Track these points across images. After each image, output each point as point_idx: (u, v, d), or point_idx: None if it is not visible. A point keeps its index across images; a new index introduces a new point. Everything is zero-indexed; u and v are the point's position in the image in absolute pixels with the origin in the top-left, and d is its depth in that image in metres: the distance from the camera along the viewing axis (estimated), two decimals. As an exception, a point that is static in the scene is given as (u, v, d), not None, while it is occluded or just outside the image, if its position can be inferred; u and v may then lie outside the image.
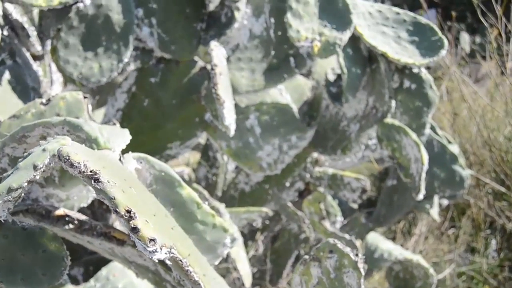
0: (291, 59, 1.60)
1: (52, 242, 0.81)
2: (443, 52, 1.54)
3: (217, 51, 1.36)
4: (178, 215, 1.01)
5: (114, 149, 0.87)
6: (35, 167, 0.72)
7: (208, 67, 1.35)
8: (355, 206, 2.24)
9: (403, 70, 1.61)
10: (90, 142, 0.85)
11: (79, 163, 0.67)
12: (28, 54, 1.76)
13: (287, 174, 1.85)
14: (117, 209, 0.66)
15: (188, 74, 1.61)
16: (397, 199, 2.08)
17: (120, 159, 0.91)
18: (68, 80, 1.61)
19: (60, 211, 1.05)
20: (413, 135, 1.53)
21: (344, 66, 1.55)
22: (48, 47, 1.93)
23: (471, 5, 2.97)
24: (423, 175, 1.49)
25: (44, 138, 0.96)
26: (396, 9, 1.61)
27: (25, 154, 0.78)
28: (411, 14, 1.61)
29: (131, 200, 0.68)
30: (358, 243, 1.71)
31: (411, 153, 1.55)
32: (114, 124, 1.18)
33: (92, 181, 0.66)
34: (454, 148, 2.00)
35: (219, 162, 1.92)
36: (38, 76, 1.75)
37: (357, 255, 0.97)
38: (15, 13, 1.65)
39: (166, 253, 0.69)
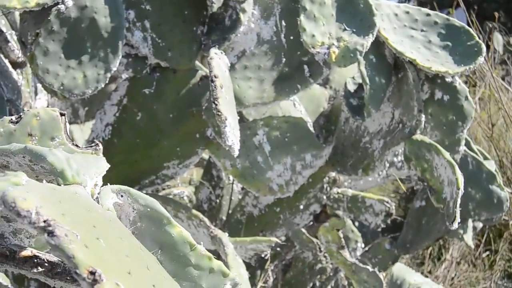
0: (305, 67, 1.48)
1: None
2: (481, 59, 1.41)
3: (218, 60, 1.24)
4: (168, 259, 0.89)
5: (85, 184, 0.75)
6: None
7: (210, 75, 1.23)
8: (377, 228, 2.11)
9: (434, 80, 1.49)
10: (56, 175, 0.74)
11: (28, 211, 0.55)
12: (6, 61, 1.66)
13: (301, 196, 1.73)
14: (77, 271, 0.54)
15: (187, 84, 1.50)
16: (426, 223, 1.94)
17: (94, 195, 0.79)
18: (48, 91, 1.51)
19: (27, 252, 0.92)
20: (447, 155, 1.39)
21: (366, 76, 1.42)
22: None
23: (505, 2, 2.85)
24: (459, 200, 1.36)
25: (4, 166, 0.85)
26: (426, 10, 1.49)
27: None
28: (443, 15, 1.48)
29: (97, 257, 0.56)
30: (381, 275, 1.58)
31: (444, 174, 1.42)
32: (97, 144, 1.06)
33: (46, 234, 0.54)
34: (491, 165, 1.86)
35: (224, 182, 1.80)
36: (18, 86, 1.65)
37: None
38: (-9, 16, 1.55)
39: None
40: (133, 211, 0.88)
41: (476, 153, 1.83)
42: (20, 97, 1.63)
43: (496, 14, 3.16)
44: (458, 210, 1.36)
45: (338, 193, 1.77)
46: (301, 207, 1.76)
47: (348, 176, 1.68)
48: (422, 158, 1.46)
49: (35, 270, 0.96)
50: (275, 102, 1.49)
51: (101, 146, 1.08)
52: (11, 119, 1.08)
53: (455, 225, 1.38)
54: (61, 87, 1.34)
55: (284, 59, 1.49)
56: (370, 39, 1.35)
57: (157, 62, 1.48)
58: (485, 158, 1.89)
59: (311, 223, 1.83)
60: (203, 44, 1.48)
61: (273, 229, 1.76)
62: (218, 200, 1.80)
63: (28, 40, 1.38)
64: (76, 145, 1.06)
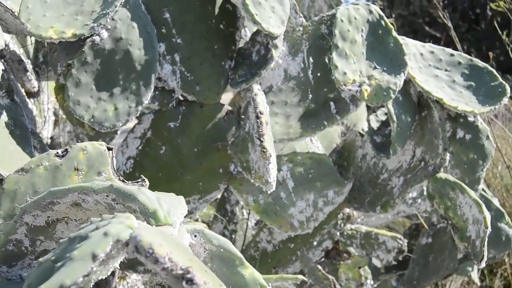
0: (332, 104, 1.49)
1: None
2: (505, 100, 1.44)
3: (261, 96, 1.24)
4: (238, 300, 0.88)
5: (175, 225, 0.73)
6: (94, 257, 0.57)
7: (255, 111, 1.22)
8: (378, 265, 2.11)
9: (457, 119, 1.51)
10: (146, 216, 0.71)
11: (164, 258, 0.53)
12: (22, 91, 1.62)
13: (316, 232, 1.72)
14: (216, 322, 0.52)
15: (213, 118, 1.49)
16: (434, 260, 1.96)
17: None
18: (75, 122, 1.47)
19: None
20: (472, 193, 1.41)
21: (394, 114, 1.44)
22: (43, 82, 1.79)
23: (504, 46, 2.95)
24: (486, 239, 1.37)
25: (76, 204, 0.82)
26: (450, 50, 1.52)
27: (69, 236, 0.64)
28: (466, 56, 1.52)
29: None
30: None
31: (468, 213, 1.44)
32: (143, 180, 1.04)
33: (184, 282, 0.52)
34: (496, 202, 1.90)
35: (238, 217, 1.78)
36: (34, 117, 1.61)
37: None
38: (12, 44, 1.51)
39: None
40: (204, 251, 0.86)
41: (484, 191, 1.86)
42: (36, 128, 1.59)
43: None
44: (486, 248, 1.37)
45: (351, 229, 1.77)
46: (315, 243, 1.75)
47: (365, 212, 1.68)
48: (445, 196, 1.48)
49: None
50: (301, 138, 1.48)
51: (147, 182, 1.06)
52: (57, 152, 1.06)
53: (483, 264, 1.39)
54: (92, 119, 1.31)
55: (310, 96, 1.49)
56: (402, 78, 1.37)
57: (184, 95, 1.46)
58: (492, 196, 1.93)
59: (322, 259, 1.82)
60: (230, 79, 1.47)
61: (286, 265, 1.75)
62: (232, 236, 1.77)
63: (58, 70, 1.35)
64: (123, 181, 1.04)
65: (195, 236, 0.84)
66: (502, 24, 2.88)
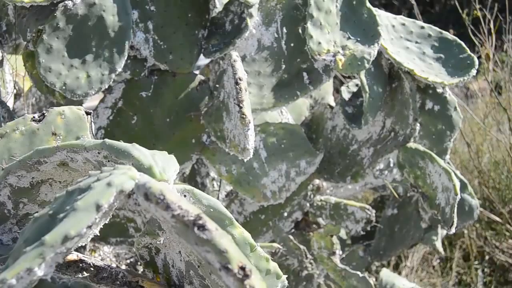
0: (305, 74, 1.49)
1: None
2: (474, 72, 1.48)
3: (240, 62, 1.24)
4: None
5: (170, 181, 0.73)
6: (98, 208, 0.57)
7: (234, 77, 1.21)
8: (344, 236, 2.15)
9: (426, 90, 1.55)
10: (141, 171, 0.71)
11: (175, 204, 0.53)
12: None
13: (286, 203, 1.74)
14: (228, 266, 0.52)
15: (185, 88, 1.48)
16: (399, 230, 2.00)
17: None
18: (45, 91, 1.44)
19: (72, 256, 0.88)
20: (441, 162, 1.45)
21: (366, 84, 1.46)
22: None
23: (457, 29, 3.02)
24: (456, 205, 1.41)
25: (63, 164, 0.81)
26: (420, 23, 1.55)
27: (66, 190, 0.63)
28: (436, 28, 1.55)
29: (240, 252, 0.55)
30: (372, 281, 1.61)
31: (437, 181, 1.47)
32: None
33: (196, 228, 0.52)
34: (459, 174, 1.96)
35: (208, 189, 1.78)
36: (-2, 87, 1.56)
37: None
38: (-25, 10, 1.46)
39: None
40: (193, 212, 0.86)
41: (448, 163, 1.91)
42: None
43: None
44: (455, 215, 1.42)
45: (321, 200, 1.79)
46: (285, 214, 1.76)
47: (335, 183, 1.70)
48: (415, 166, 1.51)
49: (79, 275, 0.92)
50: (274, 108, 1.49)
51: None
52: (33, 117, 1.04)
53: (453, 230, 1.43)
54: (63, 87, 1.28)
55: (284, 66, 1.50)
56: (376, 48, 1.38)
57: (157, 64, 1.44)
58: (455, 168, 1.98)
59: (292, 230, 1.84)
60: (203, 48, 1.46)
61: (257, 236, 1.76)
62: (202, 208, 1.77)
63: (28, 37, 1.32)
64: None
65: (185, 195, 0.83)
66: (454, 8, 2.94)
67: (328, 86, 2.00)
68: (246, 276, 0.53)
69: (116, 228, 1.53)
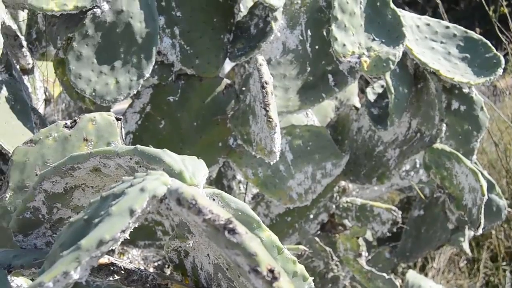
0: (330, 77, 1.50)
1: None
2: (500, 71, 1.47)
3: (266, 66, 1.25)
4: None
5: (200, 186, 0.74)
6: (131, 213, 0.58)
7: (260, 81, 1.22)
8: (370, 238, 2.15)
9: (452, 90, 1.54)
10: (172, 177, 0.72)
11: (207, 209, 0.54)
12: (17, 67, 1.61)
13: (312, 205, 1.74)
14: (257, 269, 0.54)
15: (212, 92, 1.49)
16: (426, 232, 2.00)
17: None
18: (75, 97, 1.47)
19: (104, 259, 0.91)
20: (468, 163, 1.44)
21: (392, 85, 1.46)
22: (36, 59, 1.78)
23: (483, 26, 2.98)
24: (483, 207, 1.40)
25: (96, 170, 0.83)
26: (445, 23, 1.54)
27: (101, 195, 0.65)
28: (462, 28, 1.54)
29: (269, 255, 0.56)
30: (398, 282, 1.61)
31: (464, 182, 1.47)
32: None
33: (226, 232, 0.53)
34: (486, 174, 1.94)
35: (235, 192, 1.79)
36: (30, 93, 1.60)
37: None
38: (8, 19, 1.50)
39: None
40: (222, 215, 0.87)
41: (475, 163, 1.90)
42: (32, 104, 1.58)
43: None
44: (482, 215, 1.41)
45: (347, 202, 1.79)
46: (311, 216, 1.77)
47: (361, 185, 1.70)
48: (441, 167, 1.51)
49: (110, 278, 0.94)
50: (299, 110, 1.50)
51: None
52: (66, 123, 1.06)
53: (480, 231, 1.43)
54: (93, 93, 1.31)
55: (309, 68, 1.50)
56: (401, 49, 1.38)
57: (184, 69, 1.46)
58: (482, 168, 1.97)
59: (318, 232, 1.84)
60: (229, 53, 1.48)
61: (283, 239, 1.77)
62: (229, 210, 1.78)
63: (58, 44, 1.35)
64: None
65: (214, 199, 0.85)
66: (480, 4, 2.90)
67: (353, 87, 2.00)
68: (275, 278, 0.54)
69: (144, 231, 1.55)
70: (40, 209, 0.88)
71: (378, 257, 2.00)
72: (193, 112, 1.50)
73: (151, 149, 0.74)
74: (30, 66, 1.62)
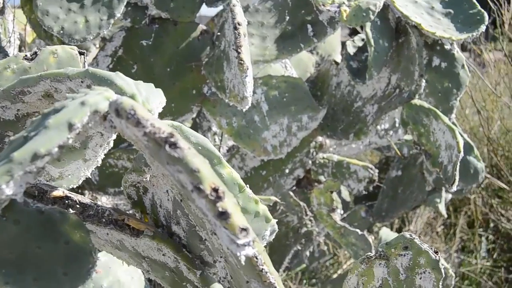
0: (309, 27, 1.45)
1: (76, 231, 0.64)
2: (483, 27, 1.43)
3: (239, 8, 1.20)
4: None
5: (153, 112, 0.70)
6: (70, 127, 0.55)
7: (233, 22, 1.18)
8: (347, 199, 2.13)
9: (433, 46, 1.50)
10: (123, 101, 0.68)
11: (147, 121, 0.50)
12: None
13: (288, 159, 1.71)
14: (200, 186, 0.50)
15: (187, 37, 1.45)
16: (402, 192, 1.98)
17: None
18: (43, 36, 1.41)
19: (58, 192, 0.87)
20: (446, 119, 1.41)
21: (372, 37, 1.42)
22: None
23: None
24: (458, 163, 1.38)
25: (48, 96, 0.79)
26: (430, -24, 1.49)
27: (43, 112, 0.61)
28: (446, -18, 1.49)
29: (213, 174, 0.52)
30: (370, 238, 1.59)
31: (441, 139, 1.44)
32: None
33: (167, 146, 0.50)
34: (466, 137, 1.92)
35: (210, 144, 1.75)
36: (-1, 34, 1.54)
37: (436, 252, 0.85)
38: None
39: (253, 248, 0.54)
40: (181, 149, 0.84)
41: (454, 124, 1.87)
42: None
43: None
44: (457, 172, 1.38)
45: (323, 158, 1.76)
46: (287, 171, 1.74)
47: (338, 140, 1.67)
48: (419, 123, 1.48)
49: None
50: (276, 60, 1.46)
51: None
52: (26, 55, 1.02)
53: (454, 188, 1.40)
54: (61, 31, 1.26)
55: (287, 17, 1.46)
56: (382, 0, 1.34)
57: (158, 12, 1.41)
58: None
59: (294, 188, 1.82)
60: (206, -3, 1.43)
61: (258, 192, 1.74)
62: (203, 162, 1.75)
63: (25, -22, 1.29)
64: (96, 86, 1.00)
65: (172, 132, 0.81)
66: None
67: (336, 43, 1.96)
68: (219, 198, 0.50)
69: (114, 178, 1.52)
70: (-9, 137, 0.84)
71: (353, 216, 1.98)
72: (166, 57, 1.45)
73: (102, 72, 0.70)
74: (0, 5, 1.56)
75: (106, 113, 0.58)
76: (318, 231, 1.79)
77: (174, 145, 0.50)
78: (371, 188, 1.82)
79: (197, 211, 0.64)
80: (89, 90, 0.59)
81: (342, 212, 1.89)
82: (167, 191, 0.85)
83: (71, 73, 0.71)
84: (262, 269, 0.62)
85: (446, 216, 1.97)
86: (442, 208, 1.97)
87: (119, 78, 0.69)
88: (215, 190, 0.50)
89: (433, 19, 1.46)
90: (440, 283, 0.85)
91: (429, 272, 0.84)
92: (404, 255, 0.85)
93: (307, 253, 1.97)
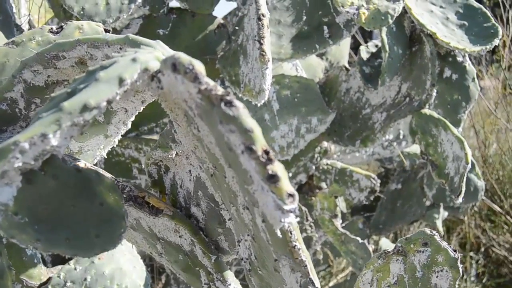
0: (325, 28, 1.47)
1: (111, 193, 0.64)
2: (496, 41, 1.45)
3: (264, 0, 1.21)
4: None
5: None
6: (121, 82, 0.55)
7: (257, 13, 1.18)
8: (344, 210, 2.13)
9: (446, 58, 1.52)
10: (164, 69, 0.68)
11: (204, 77, 0.51)
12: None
13: (292, 163, 1.72)
14: (252, 147, 0.50)
15: (203, 30, 1.45)
16: (401, 206, 1.99)
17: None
18: (61, 16, 1.41)
19: (81, 164, 0.86)
20: (455, 130, 1.43)
21: (387, 43, 1.43)
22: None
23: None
24: (465, 175, 1.39)
25: (82, 63, 0.79)
26: (447, -13, 1.52)
27: (87, 69, 0.61)
28: (463, -6, 1.52)
29: (264, 138, 0.52)
30: (371, 248, 1.60)
31: (449, 150, 1.46)
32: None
33: (223, 104, 0.50)
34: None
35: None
36: (13, 12, 1.54)
37: (455, 250, 0.86)
38: None
39: (296, 216, 0.53)
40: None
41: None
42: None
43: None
44: (464, 184, 1.40)
45: (327, 164, 1.77)
46: (290, 175, 1.75)
47: (344, 146, 1.68)
48: (428, 133, 1.49)
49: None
50: (291, 59, 1.46)
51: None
52: (52, 28, 1.01)
53: (460, 199, 1.41)
54: (81, 12, 1.26)
55: (305, 17, 1.47)
56: (400, 4, 1.36)
57: (177, 2, 1.42)
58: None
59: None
60: (225, -9, 1.44)
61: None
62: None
63: (49, -44, 1.29)
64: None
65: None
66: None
67: (345, 51, 1.97)
68: (270, 160, 0.51)
69: (120, 167, 1.51)
70: (17, 102, 0.83)
71: (351, 227, 1.98)
72: (182, 48, 1.45)
73: (143, 39, 0.71)
74: (16, -14, 1.55)
75: (155, 73, 0.58)
76: (318, 236, 1.79)
77: (230, 103, 0.50)
78: (371, 198, 1.83)
79: (233, 182, 0.64)
80: (139, 49, 0.59)
81: (340, 221, 1.90)
82: (189, 171, 0.84)
83: (110, 38, 0.71)
84: (295, 245, 0.63)
85: (442, 233, 1.98)
86: (439, 224, 1.98)
87: (160, 46, 0.69)
88: (267, 152, 0.51)
89: (447, 30, 1.48)
90: (457, 283, 0.85)
91: (447, 271, 0.85)
92: (423, 252, 0.86)
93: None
